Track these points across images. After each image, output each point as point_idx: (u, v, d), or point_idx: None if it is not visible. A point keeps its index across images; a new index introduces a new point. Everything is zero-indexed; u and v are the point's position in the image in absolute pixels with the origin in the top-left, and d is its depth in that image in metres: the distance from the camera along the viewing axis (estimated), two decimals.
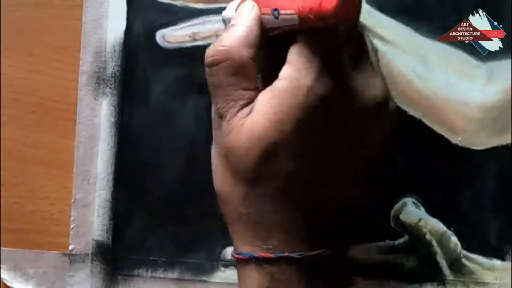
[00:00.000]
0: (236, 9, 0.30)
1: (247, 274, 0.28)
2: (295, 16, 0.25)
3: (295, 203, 0.27)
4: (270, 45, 0.29)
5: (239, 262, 0.29)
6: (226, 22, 0.31)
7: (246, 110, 0.27)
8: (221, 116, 0.28)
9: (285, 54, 0.27)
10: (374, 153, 0.29)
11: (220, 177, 0.29)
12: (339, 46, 0.26)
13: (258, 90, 0.28)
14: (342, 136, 0.27)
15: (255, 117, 0.26)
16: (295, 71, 0.25)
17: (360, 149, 0.28)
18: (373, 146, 0.29)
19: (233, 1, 0.32)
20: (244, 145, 0.26)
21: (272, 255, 0.27)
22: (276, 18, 0.27)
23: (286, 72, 0.26)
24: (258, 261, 0.27)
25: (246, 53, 0.27)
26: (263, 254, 0.27)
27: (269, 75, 0.28)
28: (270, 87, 0.26)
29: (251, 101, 0.27)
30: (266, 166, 0.26)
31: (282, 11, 0.26)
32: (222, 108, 0.27)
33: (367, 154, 0.29)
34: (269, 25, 0.28)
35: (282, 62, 0.27)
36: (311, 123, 0.25)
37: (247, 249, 0.28)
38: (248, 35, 0.27)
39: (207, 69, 0.28)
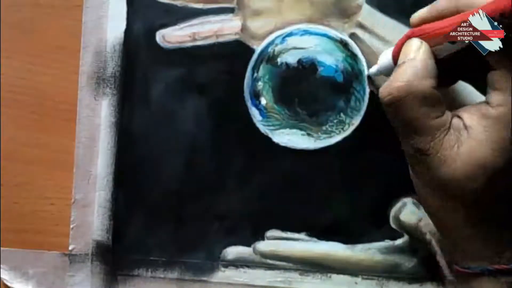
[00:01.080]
0: (392, 57, 0.31)
1: (481, 286, 0.28)
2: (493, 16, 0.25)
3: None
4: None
5: (469, 276, 0.29)
6: (372, 77, 0.33)
7: (451, 138, 0.26)
8: (421, 151, 0.27)
9: (455, 66, 0.28)
10: None
11: (437, 208, 0.29)
12: None
13: (448, 112, 0.27)
14: None
15: (473, 145, 0.26)
16: (508, 97, 0.25)
17: None
18: None
19: (383, 54, 0.32)
20: (466, 173, 0.26)
21: (508, 266, 0.27)
22: (452, 43, 0.27)
23: (499, 98, 0.25)
24: (492, 273, 0.28)
25: (428, 83, 0.27)
26: (497, 267, 0.28)
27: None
28: (480, 113, 0.26)
29: (449, 125, 0.27)
30: (490, 190, 0.26)
31: (460, 32, 0.27)
32: (421, 143, 0.27)
33: None
34: (443, 54, 0.28)
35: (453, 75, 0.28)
36: None
37: (477, 264, 0.28)
38: (425, 67, 0.27)
39: (387, 109, 0.28)
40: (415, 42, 0.28)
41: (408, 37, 0.29)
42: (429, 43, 0.28)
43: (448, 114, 0.27)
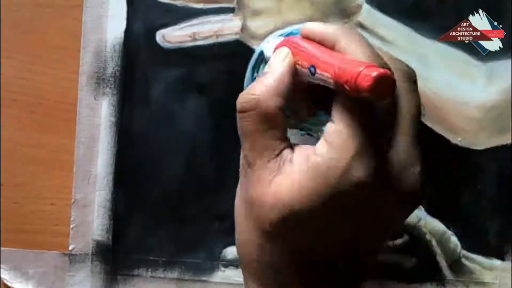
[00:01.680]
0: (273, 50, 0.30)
1: None
2: (331, 80, 0.25)
3: (306, 263, 0.27)
4: (305, 90, 0.28)
5: None
6: (264, 56, 0.32)
7: (274, 164, 0.27)
8: (249, 164, 0.28)
9: (319, 98, 0.27)
10: (392, 232, 0.29)
11: (241, 221, 0.29)
12: (377, 123, 0.25)
13: (287, 142, 0.28)
14: (367, 219, 0.27)
15: (284, 181, 0.26)
16: (331, 151, 0.25)
17: (381, 230, 0.28)
18: (394, 227, 0.29)
19: (271, 36, 0.32)
20: (269, 202, 0.26)
21: None
22: (312, 74, 0.26)
23: (322, 149, 0.25)
24: None
25: (274, 102, 0.27)
26: None
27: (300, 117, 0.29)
28: (304, 155, 0.26)
29: (279, 152, 0.27)
30: (286, 229, 0.26)
31: (318, 71, 0.26)
32: (250, 156, 0.27)
33: (386, 234, 0.29)
34: (305, 77, 0.27)
35: (315, 104, 0.28)
36: (339, 204, 0.25)
37: None
38: (279, 85, 0.27)
39: (237, 115, 0.29)
40: (283, 52, 0.28)
41: (284, 45, 0.29)
42: (297, 60, 0.28)
43: (284, 141, 0.27)
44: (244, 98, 0.28)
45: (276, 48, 0.30)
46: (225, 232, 0.38)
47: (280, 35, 0.37)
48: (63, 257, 0.39)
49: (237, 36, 0.38)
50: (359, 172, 0.25)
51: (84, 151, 0.39)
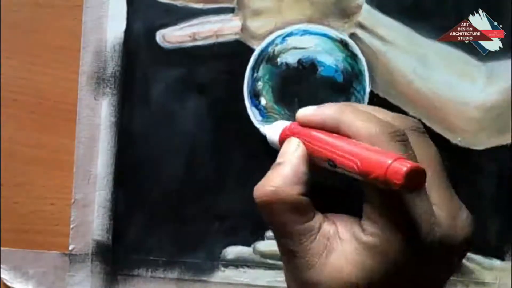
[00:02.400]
0: (279, 136, 0.31)
1: None
2: (355, 173, 0.25)
3: None
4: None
5: None
6: (267, 138, 0.33)
7: (319, 245, 0.27)
8: (291, 252, 0.27)
9: None
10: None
11: None
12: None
13: (319, 216, 0.28)
14: (427, 278, 0.27)
15: (339, 261, 0.26)
16: (383, 232, 0.25)
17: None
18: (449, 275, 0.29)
19: (277, 122, 0.32)
20: (331, 283, 0.26)
21: None
22: (333, 167, 0.26)
23: (371, 229, 0.26)
24: None
25: (295, 191, 0.27)
26: None
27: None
28: (350, 232, 0.26)
29: (317, 231, 0.27)
30: None
31: (338, 164, 0.26)
32: (290, 245, 0.27)
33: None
34: (323, 164, 0.27)
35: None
36: (400, 275, 0.26)
37: None
38: (295, 174, 0.27)
39: (259, 209, 0.28)
40: (293, 143, 0.29)
41: (291, 132, 0.30)
42: (312, 151, 0.28)
43: (318, 218, 0.27)
44: (262, 192, 0.28)
45: (282, 136, 0.31)
46: (225, 232, 0.38)
47: (279, 36, 0.38)
48: (63, 257, 0.39)
49: (237, 36, 0.38)
50: (416, 243, 0.25)
51: (84, 151, 0.39)
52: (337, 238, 0.27)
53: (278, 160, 0.29)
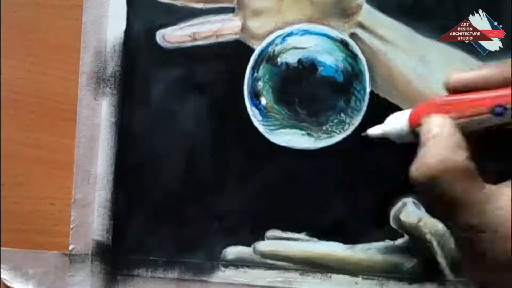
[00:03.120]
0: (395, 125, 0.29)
1: None
2: None
3: None
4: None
5: None
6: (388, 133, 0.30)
7: (505, 208, 0.24)
8: (473, 227, 0.25)
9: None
10: None
11: None
12: None
13: (490, 186, 0.25)
14: None
15: None
16: None
17: None
18: None
19: (391, 117, 0.30)
20: None
21: None
22: (500, 115, 0.25)
23: None
24: None
25: (462, 156, 0.25)
26: None
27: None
28: None
29: (498, 195, 0.25)
30: None
31: (509, 106, 0.24)
32: (472, 219, 0.25)
33: None
34: (478, 126, 0.26)
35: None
36: None
37: None
38: (455, 141, 0.25)
39: (423, 190, 0.26)
40: (435, 118, 0.27)
41: (432, 108, 0.27)
42: (459, 114, 0.26)
43: (491, 185, 0.25)
44: (424, 168, 0.25)
45: (414, 118, 0.28)
46: (225, 232, 0.38)
47: (279, 36, 0.38)
48: (63, 257, 0.39)
49: (237, 36, 0.38)
50: None
51: (84, 151, 0.39)
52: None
53: (423, 138, 0.26)
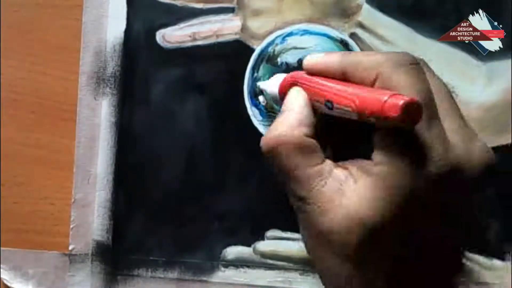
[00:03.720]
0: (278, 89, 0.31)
1: None
2: (352, 113, 0.25)
3: (400, 272, 0.26)
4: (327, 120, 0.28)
5: None
6: (263, 92, 0.33)
7: (330, 189, 0.26)
8: (301, 199, 0.27)
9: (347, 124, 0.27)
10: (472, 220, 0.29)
11: (321, 258, 0.28)
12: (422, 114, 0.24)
13: (329, 162, 0.27)
14: (450, 209, 0.26)
15: (353, 200, 0.25)
16: (393, 158, 0.24)
17: (463, 219, 0.27)
18: (472, 211, 0.29)
19: (274, 77, 0.32)
20: (344, 227, 0.25)
21: None
22: (330, 109, 0.26)
23: (380, 157, 0.25)
24: None
25: (299, 132, 0.27)
26: None
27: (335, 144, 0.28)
28: (364, 169, 0.25)
29: (328, 175, 0.26)
30: (371, 248, 0.25)
31: (336, 105, 0.26)
32: (300, 191, 0.26)
33: (468, 223, 0.28)
34: (323, 111, 0.27)
35: (345, 131, 0.28)
36: (417, 203, 0.25)
37: None
38: (298, 117, 0.27)
39: (266, 158, 0.28)
40: (294, 91, 0.29)
41: (291, 82, 0.29)
42: (312, 97, 0.28)
43: (328, 163, 0.27)
44: (266, 139, 0.27)
45: (282, 84, 0.30)
46: (225, 232, 0.38)
47: (279, 36, 0.38)
48: (63, 257, 0.39)
49: (237, 36, 0.38)
50: (429, 167, 0.24)
51: (84, 151, 0.39)
52: (350, 181, 0.26)
53: (282, 109, 0.29)
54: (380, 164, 0.25)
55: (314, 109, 0.28)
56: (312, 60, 0.29)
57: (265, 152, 0.27)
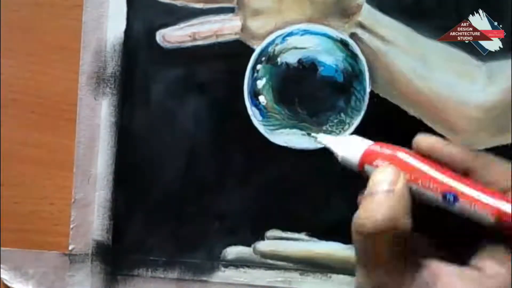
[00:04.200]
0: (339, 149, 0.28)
1: None
2: (489, 217, 0.23)
3: None
4: None
5: None
6: (342, 159, 0.28)
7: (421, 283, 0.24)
8: (384, 286, 0.25)
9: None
10: None
11: None
12: None
13: (417, 264, 0.25)
14: None
15: None
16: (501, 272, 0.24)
17: None
18: None
19: (349, 138, 0.29)
20: None
21: None
22: (450, 202, 0.24)
23: (496, 268, 0.24)
24: None
25: (409, 224, 0.24)
26: None
27: None
28: (469, 279, 0.24)
29: (417, 279, 0.25)
30: None
31: (463, 202, 0.24)
32: (385, 285, 0.25)
33: None
34: (427, 201, 0.25)
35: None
36: None
37: None
38: (404, 204, 0.25)
39: (356, 237, 0.26)
40: (392, 172, 0.26)
41: (392, 160, 0.26)
42: (413, 178, 0.26)
43: (418, 265, 0.25)
44: (367, 222, 0.25)
45: (364, 157, 0.27)
46: (225, 232, 0.38)
47: (280, 36, 0.38)
48: (63, 257, 0.39)
49: (237, 36, 0.38)
50: None
51: (84, 151, 0.39)
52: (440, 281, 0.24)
53: (376, 189, 0.26)
54: (495, 275, 0.24)
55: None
56: (431, 140, 0.27)
57: (371, 232, 0.25)
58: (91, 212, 0.39)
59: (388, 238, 0.24)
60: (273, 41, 0.37)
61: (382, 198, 0.25)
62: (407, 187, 0.25)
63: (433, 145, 0.26)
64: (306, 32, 0.37)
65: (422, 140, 0.27)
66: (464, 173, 0.25)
